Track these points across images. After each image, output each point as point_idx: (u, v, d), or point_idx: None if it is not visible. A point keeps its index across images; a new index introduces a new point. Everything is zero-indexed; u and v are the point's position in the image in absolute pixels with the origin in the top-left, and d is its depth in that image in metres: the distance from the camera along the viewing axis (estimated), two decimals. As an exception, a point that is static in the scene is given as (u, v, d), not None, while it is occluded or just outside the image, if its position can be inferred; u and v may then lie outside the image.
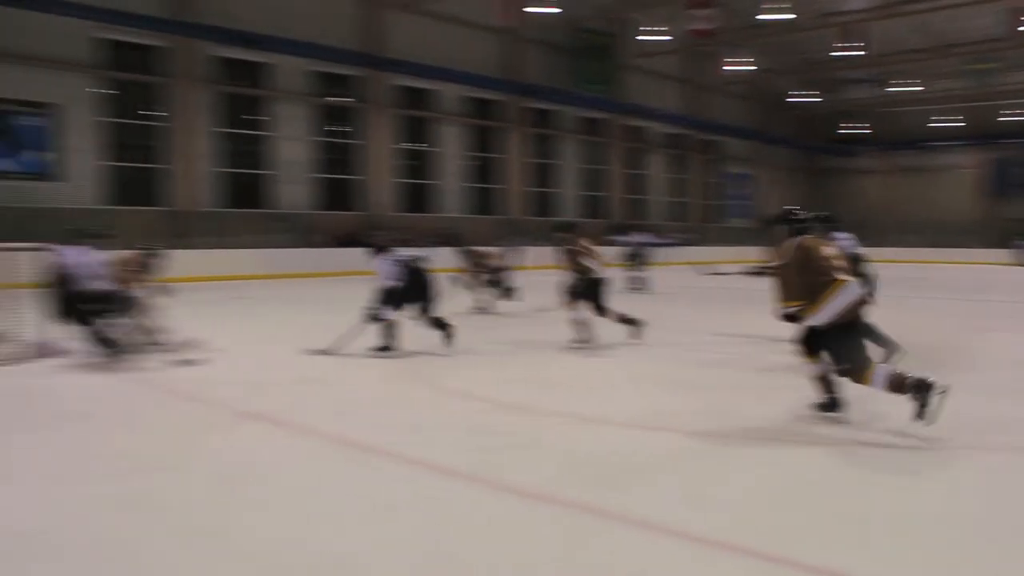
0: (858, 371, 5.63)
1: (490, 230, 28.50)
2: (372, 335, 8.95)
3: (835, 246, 6.38)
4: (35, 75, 22.03)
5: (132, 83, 24.36)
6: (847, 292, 5.66)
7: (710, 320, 12.25)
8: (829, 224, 7.81)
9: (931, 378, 5.34)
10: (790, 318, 5.91)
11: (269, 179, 27.13)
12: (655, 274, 19.28)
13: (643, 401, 6.77)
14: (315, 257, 24.99)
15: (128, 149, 24.37)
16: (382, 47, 28.81)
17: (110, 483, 4.48)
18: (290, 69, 27.05)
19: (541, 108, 35.20)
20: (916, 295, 17.57)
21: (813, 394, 6.03)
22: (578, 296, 9.45)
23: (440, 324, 9.34)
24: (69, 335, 8.68)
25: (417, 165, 31.34)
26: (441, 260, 13.64)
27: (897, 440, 5.33)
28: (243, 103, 26.69)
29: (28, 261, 9.29)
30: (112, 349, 8.47)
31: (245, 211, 25.96)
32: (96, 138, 23.46)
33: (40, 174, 22.37)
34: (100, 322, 8.48)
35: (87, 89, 23.25)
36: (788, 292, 5.84)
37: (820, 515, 4.09)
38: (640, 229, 21.07)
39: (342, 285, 18.53)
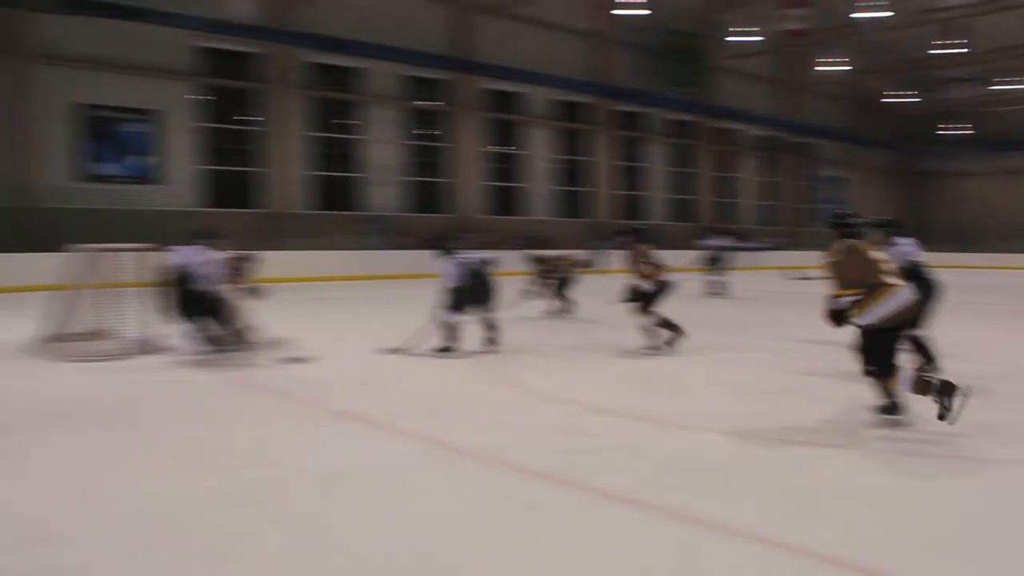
0: (884, 375, 5.69)
1: (578, 233, 28.46)
2: (438, 336, 9.11)
3: (886, 251, 6.49)
4: (139, 83, 22.91)
5: (228, 89, 25.07)
6: (897, 296, 5.67)
7: (794, 325, 11.95)
8: (891, 229, 7.78)
9: (953, 381, 5.44)
10: (837, 316, 5.89)
11: (360, 182, 27.61)
12: (735, 278, 18.94)
13: (733, 406, 6.65)
14: (404, 259, 25.32)
15: (225, 153, 25.09)
16: (471, 51, 29.03)
17: (212, 478, 4.56)
18: (381, 73, 27.46)
19: (629, 111, 34.96)
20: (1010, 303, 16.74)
21: (873, 397, 5.89)
22: (641, 302, 9.42)
23: (492, 326, 9.50)
24: (173, 333, 8.97)
25: (505, 168, 31.45)
26: (519, 263, 13.72)
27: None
28: (335, 107, 27.19)
29: (131, 261, 9.64)
30: (215, 347, 8.76)
31: (336, 213, 26.42)
32: (194, 143, 24.24)
33: (142, 178, 23.23)
34: (208, 320, 8.71)
35: (186, 96, 24.05)
36: (841, 286, 5.84)
37: (933, 531, 3.92)
38: (722, 233, 20.72)
39: (430, 286, 18.73)
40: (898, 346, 5.85)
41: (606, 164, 33.97)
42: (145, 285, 9.34)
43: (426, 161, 29.31)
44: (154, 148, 23.37)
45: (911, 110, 47.63)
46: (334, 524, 3.90)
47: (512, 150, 31.62)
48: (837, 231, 6.08)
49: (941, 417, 5.41)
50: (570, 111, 33.12)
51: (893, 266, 5.95)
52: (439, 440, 5.41)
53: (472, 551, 3.59)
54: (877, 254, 5.93)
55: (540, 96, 31.70)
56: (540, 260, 13.93)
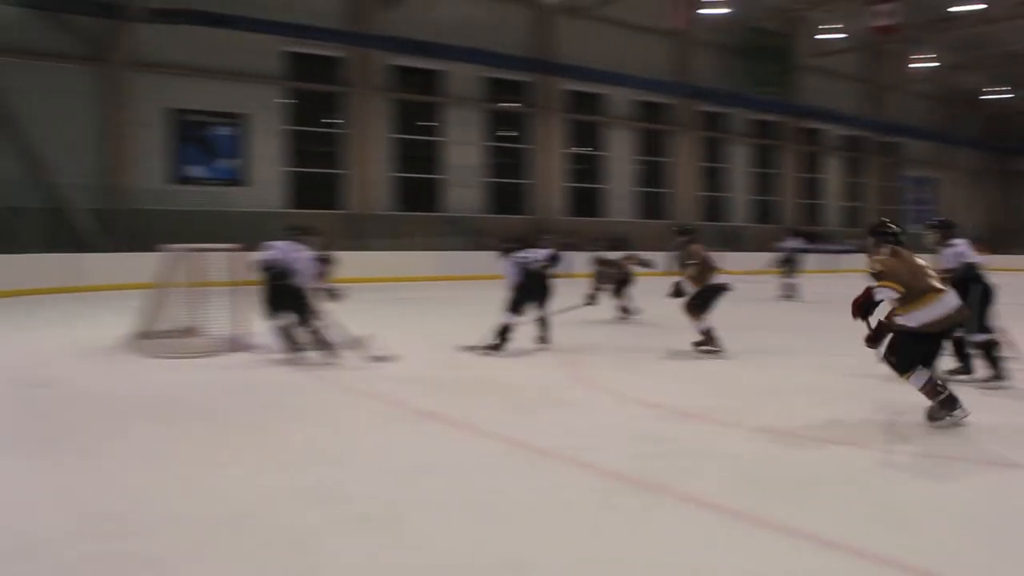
0: (901, 368, 5.82)
1: (658, 235, 28.20)
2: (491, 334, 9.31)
3: (941, 252, 7.23)
4: (227, 88, 23.51)
5: (313, 92, 25.51)
6: (943, 303, 5.76)
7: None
8: (946, 230, 7.94)
9: (960, 408, 5.67)
10: (865, 307, 5.93)
11: (441, 183, 27.83)
12: (808, 280, 18.55)
13: (808, 410, 6.52)
14: (484, 260, 25.43)
15: (309, 155, 25.54)
16: (552, 52, 28.95)
17: (294, 474, 4.62)
18: (462, 75, 27.58)
19: (712, 111, 34.48)
20: None
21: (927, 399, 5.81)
22: (697, 304, 9.34)
23: (544, 325, 9.73)
24: (261, 330, 9.16)
25: (586, 169, 31.29)
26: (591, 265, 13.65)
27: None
28: (416, 109, 27.40)
29: (219, 261, 9.90)
30: (299, 346, 8.89)
31: (417, 214, 26.64)
32: (280, 145, 24.79)
33: (229, 180, 23.87)
34: (296, 317, 8.70)
35: (273, 99, 24.59)
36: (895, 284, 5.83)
37: (1017, 543, 3.78)
38: (796, 234, 20.33)
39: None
40: (934, 352, 5.88)
41: (687, 165, 33.53)
42: (233, 284, 9.57)
43: (506, 162, 29.35)
44: (241, 151, 23.99)
45: (1007, 107, 45.74)
46: (414, 523, 3.91)
47: (593, 151, 31.46)
48: (877, 239, 6.21)
49: (929, 419, 5.77)
50: (651, 111, 32.78)
51: (936, 272, 6.06)
52: (519, 440, 5.41)
53: (549, 552, 3.57)
54: (922, 260, 6.03)
55: (621, 96, 31.45)
56: (601, 262, 13.77)
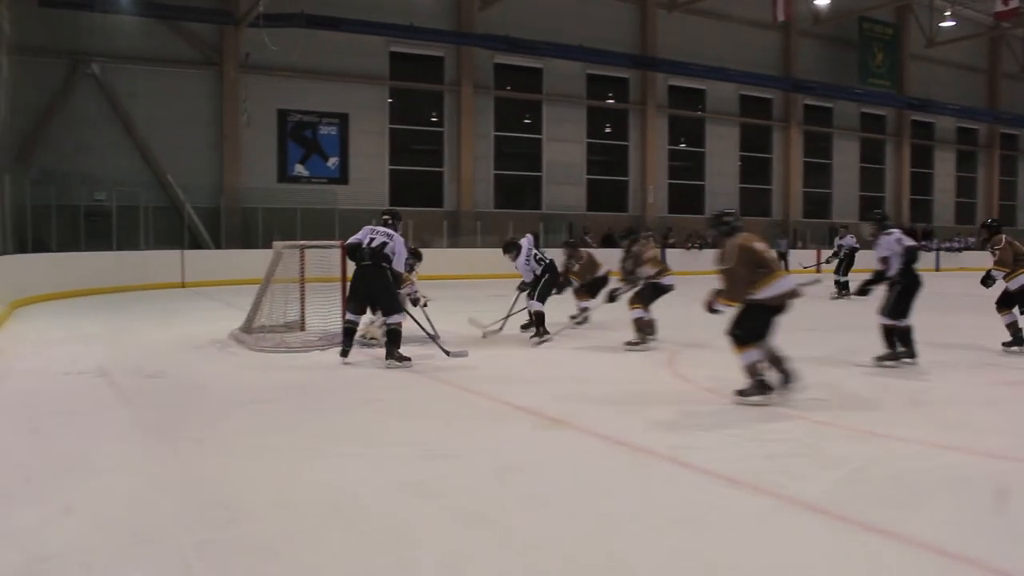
0: (739, 340, 6.30)
1: (763, 231, 27.64)
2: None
3: (879, 242, 8.10)
4: (334, 88, 24.10)
5: (415, 91, 25.91)
6: (785, 282, 6.34)
7: (975, 330, 11.07)
8: (882, 221, 8.53)
9: (773, 388, 6.24)
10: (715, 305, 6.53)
11: (542, 180, 27.89)
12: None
13: (917, 414, 6.29)
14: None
15: (411, 153, 25.95)
16: (654, 48, 28.68)
17: (392, 467, 4.64)
18: (563, 72, 27.55)
19: (817, 105, 33.57)
20: None
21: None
22: (642, 296, 9.67)
23: (539, 319, 10.14)
24: (361, 326, 9.31)
25: (688, 166, 30.89)
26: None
27: None
28: (518, 106, 27.55)
29: (324, 258, 10.13)
30: (381, 339, 8.87)
31: (519, 212, 26.78)
32: (384, 143, 25.24)
33: (336, 178, 24.44)
34: (386, 307, 8.39)
35: (377, 99, 25.07)
36: (733, 287, 6.35)
37: None
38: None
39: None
40: (770, 327, 6.32)
41: (793, 160, 32.76)
42: (336, 280, 9.76)
43: (608, 159, 29.22)
44: (346, 150, 24.53)
45: None
46: (510, 519, 3.90)
47: (695, 148, 31.02)
48: (718, 229, 6.56)
49: (738, 393, 6.28)
50: (755, 106, 32.12)
51: (774, 255, 6.63)
52: (617, 438, 5.35)
53: (650, 552, 3.53)
54: (761, 245, 6.47)
55: (724, 92, 30.91)
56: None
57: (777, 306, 6.31)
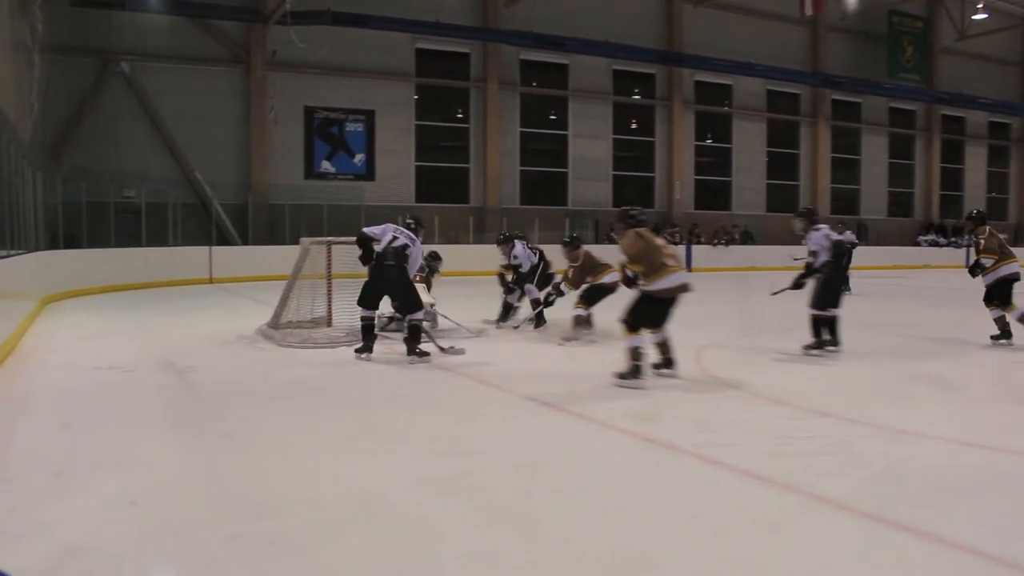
0: (630, 326, 6.92)
1: (790, 228, 27.44)
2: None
3: (809, 235, 8.48)
4: (360, 85, 24.19)
5: (442, 88, 25.93)
6: (677, 276, 7.00)
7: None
8: (812, 217, 8.86)
9: (644, 377, 6.84)
10: (628, 281, 7.23)
11: (568, 176, 27.83)
12: (937, 275, 17.74)
13: (948, 412, 6.22)
14: (611, 253, 25.41)
15: (437, 150, 25.97)
16: (680, 43, 28.55)
17: (419, 463, 4.65)
18: (589, 68, 27.45)
19: (845, 100, 33.23)
20: None
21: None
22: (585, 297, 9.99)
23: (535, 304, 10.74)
24: (385, 321, 9.34)
25: (715, 162, 30.71)
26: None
27: None
28: (543, 103, 27.51)
29: (349, 254, 10.14)
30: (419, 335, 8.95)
31: (545, 208, 26.71)
32: (410, 140, 25.29)
33: (363, 175, 24.53)
34: (403, 307, 8.58)
35: (403, 95, 25.13)
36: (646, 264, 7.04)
37: None
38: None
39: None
40: (663, 316, 7.06)
41: (820, 156, 32.46)
42: (363, 277, 9.78)
43: (634, 155, 29.10)
44: (372, 146, 24.61)
45: None
46: (535, 515, 3.89)
47: (722, 143, 30.83)
48: (623, 223, 7.30)
49: (619, 376, 6.86)
50: (782, 101, 31.85)
51: (673, 251, 7.26)
52: (644, 434, 5.33)
53: (674, 548, 3.51)
54: (660, 240, 7.19)
55: (751, 87, 30.68)
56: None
57: (669, 298, 7.01)
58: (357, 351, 8.38)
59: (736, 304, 12.74)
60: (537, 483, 4.37)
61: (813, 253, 8.53)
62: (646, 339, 6.95)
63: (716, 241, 27.81)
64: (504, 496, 4.15)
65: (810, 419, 5.88)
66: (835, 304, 8.62)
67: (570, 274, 10.12)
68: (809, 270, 8.61)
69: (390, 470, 4.55)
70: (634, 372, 6.81)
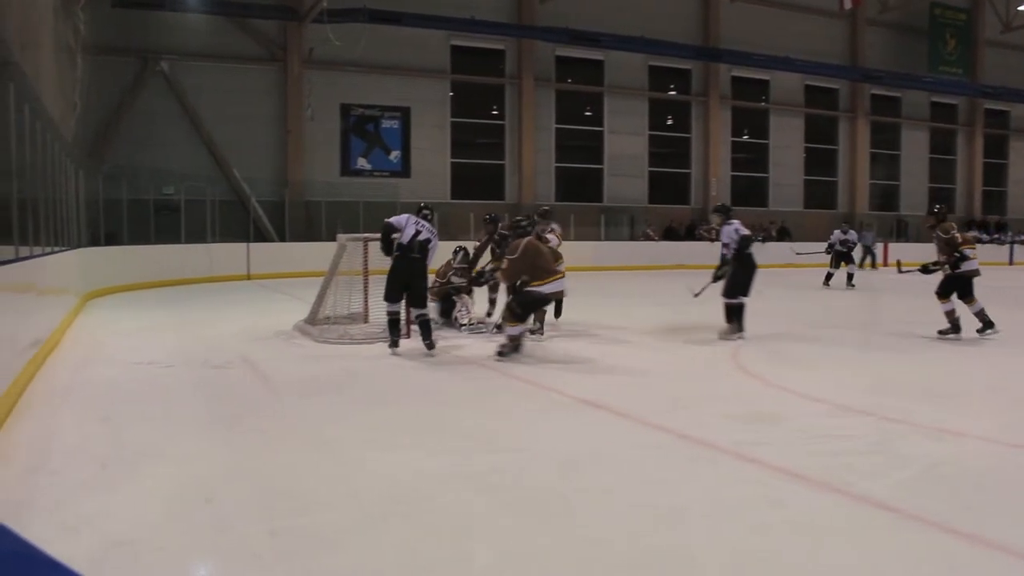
0: (511, 315, 8.12)
1: (827, 225, 27.14)
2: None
3: (723, 229, 9.49)
4: (396, 82, 24.28)
5: (476, 84, 25.96)
6: (558, 283, 8.36)
7: None
8: (726, 213, 9.76)
9: (518, 351, 8.09)
10: (514, 289, 8.24)
11: (604, 173, 27.74)
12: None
13: (985, 411, 6.11)
14: (646, 250, 25.39)
15: (473, 146, 26.01)
16: (717, 38, 28.31)
17: (453, 458, 4.66)
18: (625, 64, 27.32)
19: (884, 94, 32.73)
20: None
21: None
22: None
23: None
24: (420, 317, 9.37)
25: (752, 158, 30.42)
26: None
27: None
28: (579, 99, 27.40)
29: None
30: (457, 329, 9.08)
31: (580, 204, 26.64)
32: (445, 137, 25.35)
33: (398, 171, 24.63)
34: (421, 300, 8.65)
35: (439, 92, 25.18)
36: (512, 273, 8.27)
37: None
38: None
39: (668, 278, 18.65)
40: (542, 311, 8.89)
41: (859, 151, 32.02)
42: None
43: (670, 151, 28.92)
44: (408, 143, 24.70)
45: None
46: (572, 512, 3.89)
47: (758, 139, 30.53)
48: (514, 232, 8.60)
49: (498, 354, 8.02)
50: (820, 96, 31.46)
51: (555, 258, 8.61)
52: (682, 432, 5.30)
53: (710, 546, 3.49)
54: (545, 249, 8.54)
55: (788, 82, 30.31)
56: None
57: (548, 298, 8.42)
58: (390, 346, 8.53)
59: (773, 301, 12.62)
60: (572, 480, 4.37)
61: (726, 246, 9.43)
62: (522, 331, 8.26)
63: (753, 238, 27.55)
64: (541, 493, 4.15)
65: (849, 417, 5.82)
66: (744, 292, 9.37)
67: (504, 265, 8.49)
68: (723, 261, 9.46)
69: (426, 465, 4.57)
70: (513, 348, 8.06)
